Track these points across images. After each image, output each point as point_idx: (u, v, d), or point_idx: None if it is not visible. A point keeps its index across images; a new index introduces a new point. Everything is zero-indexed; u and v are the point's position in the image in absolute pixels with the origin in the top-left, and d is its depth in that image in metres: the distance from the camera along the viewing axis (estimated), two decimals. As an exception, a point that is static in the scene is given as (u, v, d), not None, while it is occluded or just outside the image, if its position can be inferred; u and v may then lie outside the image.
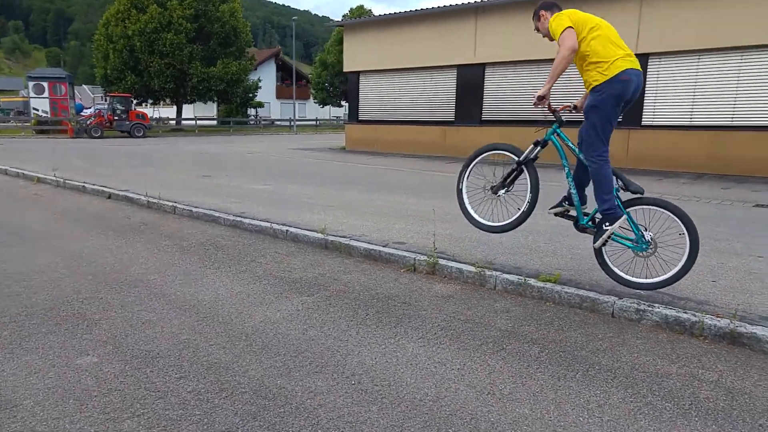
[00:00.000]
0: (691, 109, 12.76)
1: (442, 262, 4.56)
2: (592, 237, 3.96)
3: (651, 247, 3.69)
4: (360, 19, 19.87)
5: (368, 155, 17.40)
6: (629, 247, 3.75)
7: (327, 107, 56.56)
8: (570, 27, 3.62)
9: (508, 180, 4.13)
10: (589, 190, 3.98)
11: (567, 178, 4.02)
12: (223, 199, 7.92)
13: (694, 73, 12.62)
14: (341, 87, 49.48)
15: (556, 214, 4.15)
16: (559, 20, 3.69)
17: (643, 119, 13.31)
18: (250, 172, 11.97)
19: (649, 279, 3.71)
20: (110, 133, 27.95)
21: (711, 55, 12.37)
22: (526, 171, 4.04)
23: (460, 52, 16.65)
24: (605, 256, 3.86)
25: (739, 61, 12.02)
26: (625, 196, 3.81)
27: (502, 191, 4.15)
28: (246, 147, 21.46)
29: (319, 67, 50.81)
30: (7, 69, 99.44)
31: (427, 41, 17.45)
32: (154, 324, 3.58)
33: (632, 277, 3.77)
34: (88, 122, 27.35)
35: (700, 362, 2.98)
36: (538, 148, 4.02)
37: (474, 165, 4.36)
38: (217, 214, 6.67)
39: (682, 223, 3.57)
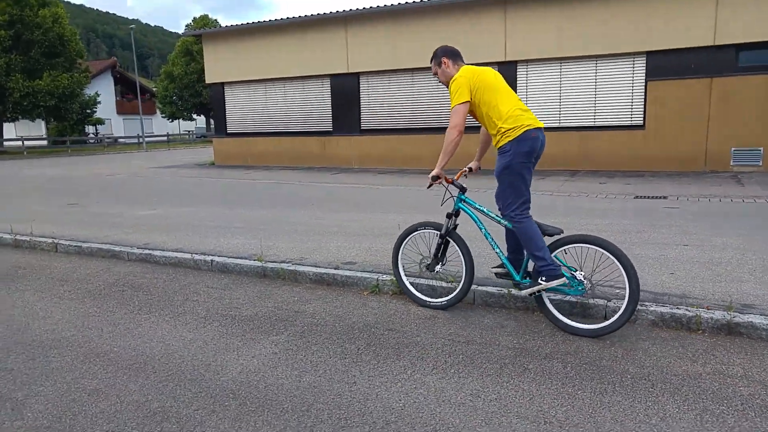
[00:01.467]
0: (558, 112, 13.92)
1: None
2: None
3: (588, 287, 3.46)
4: (220, 28, 18.77)
5: (243, 169, 16.49)
6: (566, 293, 3.54)
7: (176, 121, 53.15)
8: (467, 102, 3.52)
9: (439, 254, 4.03)
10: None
11: (486, 238, 3.88)
12: (110, 230, 6.84)
13: (558, 79, 13.79)
14: (191, 100, 46.82)
15: (497, 274, 3.98)
16: (460, 87, 3.53)
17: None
18: (123, 196, 10.61)
19: (595, 324, 3.42)
20: None
21: (571, 62, 13.62)
22: (452, 242, 3.96)
23: (333, 62, 16.48)
24: (545, 299, 3.61)
25: (595, 67, 13.39)
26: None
27: (438, 266, 4.03)
28: (99, 169, 19.18)
29: (165, 79, 47.52)
30: None
31: (296, 51, 17.02)
32: (106, 393, 2.85)
33: (575, 322, 3.48)
34: None
35: (716, 357, 3.06)
36: (453, 218, 3.95)
37: (403, 248, 4.17)
38: (117, 249, 5.70)
39: (614, 256, 3.29)
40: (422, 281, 4.28)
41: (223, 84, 18.81)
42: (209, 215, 7.88)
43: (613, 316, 3.40)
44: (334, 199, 9.44)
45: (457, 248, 3.89)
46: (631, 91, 13.16)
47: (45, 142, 38.06)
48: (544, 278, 3.46)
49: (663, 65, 12.62)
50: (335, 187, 11.34)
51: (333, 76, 16.66)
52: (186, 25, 49.70)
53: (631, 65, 13.06)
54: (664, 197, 8.71)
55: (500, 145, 3.54)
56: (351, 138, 16.56)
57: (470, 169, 4.14)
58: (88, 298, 4.49)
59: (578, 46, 13.28)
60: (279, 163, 17.79)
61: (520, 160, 3.48)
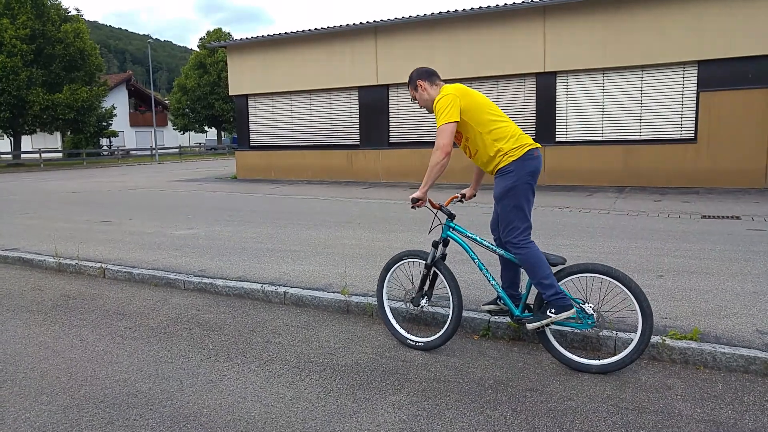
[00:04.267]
0: (601, 125, 13.34)
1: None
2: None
3: (597, 320, 3.16)
4: (246, 39, 18.35)
5: (269, 184, 15.97)
6: (574, 327, 3.25)
7: (187, 134, 52.94)
8: (456, 122, 3.22)
9: (425, 287, 3.66)
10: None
11: (481, 269, 3.55)
12: (154, 252, 6.30)
13: (601, 90, 13.22)
14: (203, 112, 46.65)
15: (489, 312, 3.68)
16: (450, 106, 3.22)
17: (556, 135, 13.65)
18: (155, 213, 10.08)
19: (602, 360, 3.17)
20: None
21: (615, 72, 13.05)
22: (439, 273, 3.58)
23: (361, 73, 16.01)
24: (548, 333, 3.29)
25: (641, 78, 12.81)
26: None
27: (423, 301, 3.65)
28: (117, 181, 18.73)
29: (178, 92, 47.47)
30: None
31: (322, 62, 16.56)
32: (216, 484, 2.27)
33: (581, 358, 3.22)
34: None
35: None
36: (440, 246, 3.60)
37: (389, 278, 3.81)
38: (172, 276, 5.13)
39: (624, 285, 3.05)
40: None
41: (247, 96, 18.38)
42: (256, 236, 7.32)
43: (623, 350, 3.17)
44: (380, 218, 8.86)
45: (444, 282, 3.51)
46: (681, 102, 12.56)
47: (60, 155, 37.77)
48: (553, 310, 3.15)
49: (716, 75, 12.01)
50: (372, 204, 10.77)
51: (361, 88, 16.17)
52: (200, 39, 49.69)
53: (681, 75, 12.48)
54: (737, 217, 8.08)
55: (501, 166, 3.27)
56: (379, 152, 16.03)
57: (463, 196, 3.79)
58: (153, 338, 3.92)
59: (623, 55, 12.72)
60: (303, 177, 17.27)
61: (526, 180, 3.23)
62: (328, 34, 16.29)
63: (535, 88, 13.85)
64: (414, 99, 3.58)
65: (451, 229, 3.58)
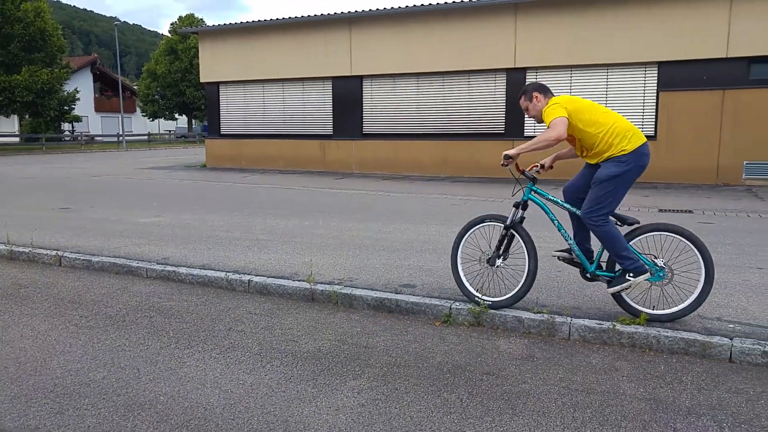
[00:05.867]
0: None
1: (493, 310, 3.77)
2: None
3: (667, 273, 3.58)
4: (218, 26, 18.01)
5: (239, 172, 15.79)
6: (648, 280, 3.59)
7: (157, 121, 51.78)
8: (564, 117, 3.54)
9: (502, 247, 3.90)
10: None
11: (560, 231, 3.85)
12: (117, 240, 6.18)
13: (568, 87, 13.45)
14: (174, 99, 45.69)
15: (560, 259, 3.94)
16: (557, 109, 3.57)
17: (525, 130, 13.82)
18: (119, 200, 9.87)
19: (668, 309, 3.57)
20: None
21: (581, 70, 13.29)
22: (516, 235, 3.84)
23: (335, 64, 15.90)
24: (623, 294, 3.67)
25: (606, 76, 13.08)
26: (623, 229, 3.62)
27: (499, 261, 3.89)
28: (80, 168, 18.24)
29: (148, 77, 46.31)
30: None
31: (297, 52, 16.39)
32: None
33: (650, 309, 3.61)
34: None
35: None
36: (520, 210, 3.88)
37: (466, 239, 4.02)
38: (134, 264, 5.05)
39: (690, 242, 3.48)
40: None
41: (218, 83, 18.08)
42: (223, 224, 7.24)
43: (687, 299, 3.53)
44: (353, 208, 8.87)
45: (522, 245, 3.76)
46: (642, 101, 12.88)
47: (17, 139, 36.50)
48: (632, 274, 3.53)
49: (675, 76, 12.37)
50: (346, 194, 10.76)
51: (335, 79, 16.08)
52: (171, 24, 48.57)
53: (643, 75, 12.79)
54: (690, 211, 8.37)
55: (616, 155, 3.55)
56: (353, 142, 15.99)
57: (542, 166, 4.03)
58: (111, 326, 3.86)
59: (589, 54, 12.96)
60: (274, 167, 17.11)
61: (636, 173, 3.56)
62: (302, 23, 16.14)
63: (505, 83, 14.01)
64: (526, 109, 3.82)
65: (532, 192, 3.85)
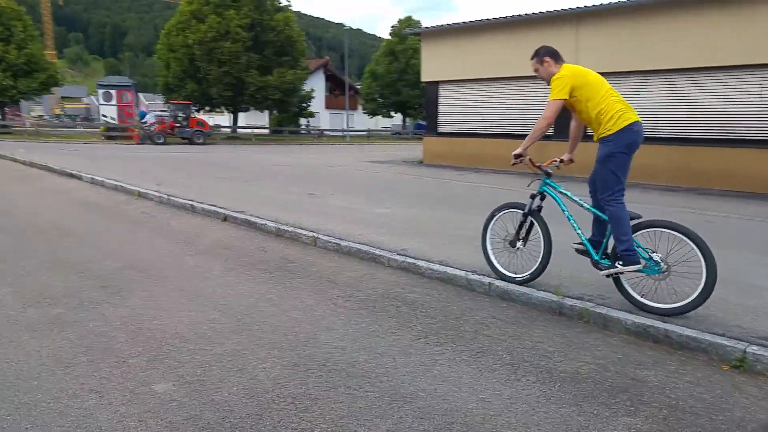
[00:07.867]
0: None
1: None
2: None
3: (664, 268, 3.67)
4: (440, 26, 18.44)
5: (454, 170, 15.93)
6: (643, 272, 3.75)
7: (375, 118, 55.56)
8: (563, 100, 3.82)
9: (521, 231, 4.33)
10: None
11: (569, 220, 4.17)
12: (358, 227, 6.59)
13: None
14: (391, 98, 48.49)
15: (576, 250, 4.21)
16: (563, 86, 3.81)
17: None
18: (353, 190, 10.64)
19: (672, 304, 3.64)
20: (171, 139, 27.36)
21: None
22: (535, 222, 4.24)
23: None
24: (623, 281, 3.86)
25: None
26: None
27: (519, 244, 4.34)
28: (315, 158, 20.30)
29: (369, 78, 50.01)
30: (70, 78, 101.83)
31: (517, 50, 15.93)
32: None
33: (653, 302, 3.72)
34: (152, 129, 26.90)
35: None
36: (537, 199, 4.27)
37: (494, 223, 4.56)
38: (377, 252, 5.30)
39: (690, 240, 3.52)
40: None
41: (438, 83, 18.53)
42: (452, 220, 7.28)
43: (688, 297, 3.56)
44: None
45: (538, 229, 4.22)
46: None
47: (267, 131, 42.35)
48: (621, 262, 3.75)
49: None
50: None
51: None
52: (392, 26, 51.70)
53: None
54: None
55: (604, 135, 3.80)
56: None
57: (561, 161, 4.28)
58: (363, 309, 4.05)
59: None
60: (488, 166, 16.91)
61: (622, 150, 3.75)
62: (524, 21, 15.64)
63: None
64: (536, 71, 4.11)
65: (546, 185, 4.24)
